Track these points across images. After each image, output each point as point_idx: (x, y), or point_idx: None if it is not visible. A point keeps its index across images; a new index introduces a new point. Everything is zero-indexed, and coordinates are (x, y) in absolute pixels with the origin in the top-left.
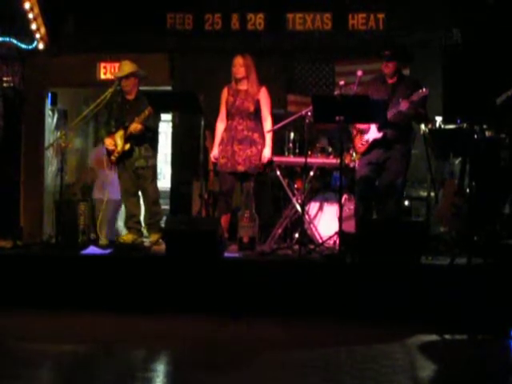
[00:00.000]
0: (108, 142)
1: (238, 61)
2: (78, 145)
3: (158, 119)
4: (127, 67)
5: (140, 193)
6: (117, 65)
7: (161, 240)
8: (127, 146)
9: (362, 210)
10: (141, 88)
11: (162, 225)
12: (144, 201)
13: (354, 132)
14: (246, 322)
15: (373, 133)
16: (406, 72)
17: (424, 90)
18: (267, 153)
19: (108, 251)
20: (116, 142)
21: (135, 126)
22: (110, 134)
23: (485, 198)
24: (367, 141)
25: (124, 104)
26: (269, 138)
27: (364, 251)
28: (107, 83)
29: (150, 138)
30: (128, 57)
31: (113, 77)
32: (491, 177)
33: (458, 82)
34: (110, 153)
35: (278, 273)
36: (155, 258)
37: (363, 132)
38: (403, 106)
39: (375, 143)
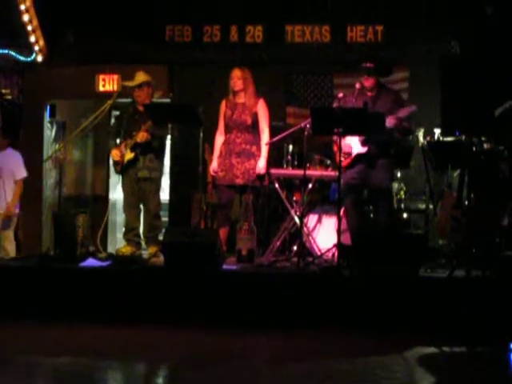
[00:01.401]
0: (114, 152)
1: (236, 73)
2: (76, 157)
3: (166, 128)
4: (141, 77)
5: (142, 206)
6: (115, 77)
7: (159, 252)
8: (131, 155)
9: (356, 218)
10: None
11: (161, 237)
12: (145, 214)
13: (335, 147)
14: (245, 334)
15: (356, 147)
16: (404, 85)
17: (412, 107)
18: (261, 164)
19: (106, 263)
20: (122, 152)
21: (142, 135)
22: (118, 145)
23: (484, 210)
24: (349, 154)
25: (135, 115)
26: (265, 149)
27: (362, 264)
28: (106, 95)
29: (156, 148)
30: (127, 69)
31: (127, 85)
32: (490, 189)
33: (456, 94)
34: (116, 164)
35: (276, 285)
36: (154, 270)
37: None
38: (389, 122)
39: (358, 158)
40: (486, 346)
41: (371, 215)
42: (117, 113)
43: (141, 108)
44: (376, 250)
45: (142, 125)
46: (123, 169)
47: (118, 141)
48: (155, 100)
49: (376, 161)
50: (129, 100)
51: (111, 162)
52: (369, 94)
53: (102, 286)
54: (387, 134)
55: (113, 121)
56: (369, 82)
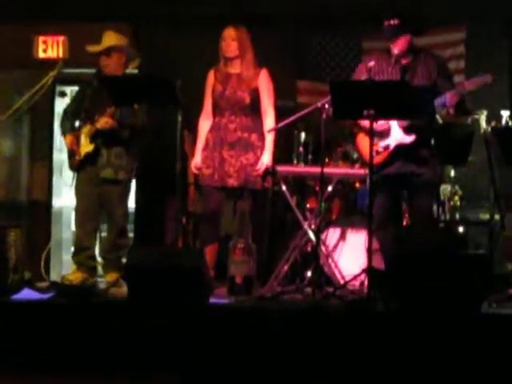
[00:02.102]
0: (69, 138)
1: (229, 33)
2: (6, 150)
3: (141, 113)
4: (110, 39)
5: (104, 215)
6: (61, 39)
7: (121, 280)
8: (90, 147)
9: (392, 233)
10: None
11: (124, 260)
12: (108, 227)
13: (359, 137)
14: None
15: (396, 135)
16: (458, 50)
17: (486, 76)
18: (266, 159)
19: (48, 295)
20: (80, 140)
21: (104, 121)
22: (75, 130)
23: None
24: (386, 147)
25: (101, 91)
26: (270, 139)
27: (402, 296)
28: (48, 64)
29: (125, 139)
30: (76, 28)
31: (90, 50)
32: None
33: None
34: (71, 155)
35: (283, 326)
36: (113, 305)
37: (382, 135)
38: (450, 99)
39: (398, 151)
40: None
41: (413, 229)
42: (62, 89)
43: None
44: (420, 277)
45: (108, 106)
46: (80, 165)
47: (77, 124)
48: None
49: (419, 154)
50: (89, 71)
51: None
52: (403, 61)
53: (41, 326)
54: (432, 116)
55: (67, 97)
56: (397, 47)
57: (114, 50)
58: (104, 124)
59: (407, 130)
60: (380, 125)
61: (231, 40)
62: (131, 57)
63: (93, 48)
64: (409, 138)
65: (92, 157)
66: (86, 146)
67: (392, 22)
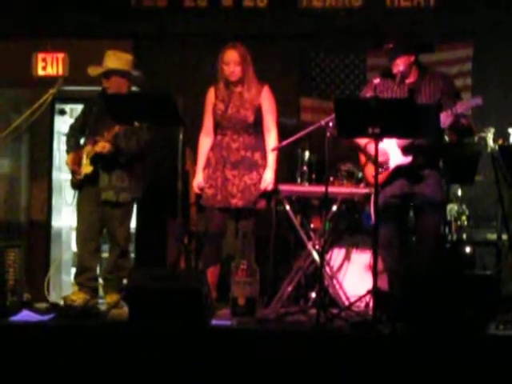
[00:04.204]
0: (71, 157)
1: (233, 57)
2: (5, 168)
3: (146, 136)
4: (109, 60)
5: (105, 236)
6: (61, 56)
7: (122, 302)
8: (89, 169)
9: (398, 253)
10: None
11: (125, 281)
12: (110, 249)
13: (363, 158)
14: None
15: (396, 156)
16: (465, 67)
17: (476, 99)
18: (268, 177)
19: (48, 317)
20: (82, 160)
21: (102, 145)
22: (79, 148)
23: None
24: (387, 167)
25: (104, 110)
26: (272, 157)
27: (409, 318)
28: (47, 82)
29: (124, 163)
30: (77, 45)
31: (90, 73)
32: None
33: None
34: (72, 174)
35: (287, 348)
36: (114, 327)
37: (383, 164)
38: (445, 120)
39: (398, 171)
40: None
41: (419, 248)
42: (62, 107)
43: None
44: (427, 298)
45: (110, 128)
46: (81, 184)
47: (81, 141)
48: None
49: (422, 173)
50: (90, 88)
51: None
52: (407, 81)
53: (41, 348)
54: (439, 135)
55: (66, 115)
56: (396, 68)
57: (114, 73)
58: (101, 149)
59: (406, 151)
60: (380, 155)
61: (235, 65)
62: (136, 79)
63: (92, 71)
64: (406, 160)
65: (92, 178)
66: (86, 167)
67: (386, 46)
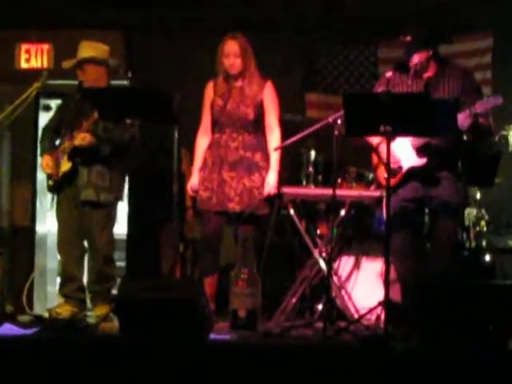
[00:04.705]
0: (46, 160)
1: (233, 49)
2: None
3: (128, 126)
4: (82, 51)
5: (86, 243)
6: (46, 47)
7: (111, 315)
8: (68, 166)
9: (412, 262)
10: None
11: (115, 292)
12: (90, 256)
13: (375, 158)
14: None
15: (409, 158)
16: (485, 60)
17: (497, 98)
18: (272, 179)
19: (32, 330)
20: (58, 160)
21: (81, 136)
22: (54, 149)
23: None
24: (399, 169)
25: (82, 105)
26: (275, 158)
27: (424, 332)
28: (31, 75)
29: (108, 156)
30: (63, 35)
31: (64, 66)
32: None
33: None
34: (48, 177)
35: (291, 364)
36: (104, 341)
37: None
38: (464, 122)
39: (412, 173)
40: None
41: (434, 256)
42: (47, 103)
43: None
44: (443, 310)
45: (85, 120)
46: (58, 186)
47: (57, 142)
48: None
49: (438, 175)
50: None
51: (41, 174)
52: (424, 75)
53: (24, 365)
54: (456, 134)
55: (51, 112)
56: (413, 62)
57: (89, 62)
58: (81, 140)
59: (420, 152)
60: (392, 163)
61: (235, 57)
62: (114, 67)
63: (67, 64)
64: (421, 161)
65: (70, 177)
66: (64, 165)
67: (403, 38)
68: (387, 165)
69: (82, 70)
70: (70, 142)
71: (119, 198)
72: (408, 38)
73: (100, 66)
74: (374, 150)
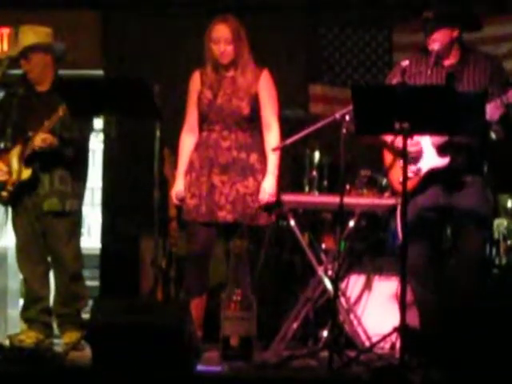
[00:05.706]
0: None
1: (223, 34)
2: None
3: (89, 125)
4: (27, 36)
5: (49, 259)
6: (6, 32)
7: (82, 342)
8: (26, 174)
9: (431, 282)
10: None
11: (86, 316)
12: (56, 273)
13: (388, 159)
14: None
15: (429, 158)
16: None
17: None
18: (269, 185)
19: None
20: (11, 166)
21: (42, 138)
22: (2, 153)
23: None
24: (418, 171)
25: (30, 100)
26: (274, 160)
27: (446, 362)
28: None
29: (70, 158)
30: (27, 17)
31: (1, 57)
32: None
33: None
34: (1, 188)
35: None
36: (73, 373)
37: (412, 159)
38: (493, 112)
39: (432, 176)
40: None
41: (458, 275)
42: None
43: (40, 88)
44: (468, 337)
45: (45, 119)
46: (14, 196)
47: (1, 145)
48: (79, 72)
49: (463, 179)
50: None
51: None
52: (446, 62)
53: None
54: (483, 131)
55: None
56: (435, 42)
57: (33, 50)
58: (41, 143)
59: (442, 151)
60: (411, 145)
61: (226, 44)
62: (60, 54)
63: (12, 51)
64: (442, 162)
65: (30, 185)
66: (20, 173)
67: (425, 15)
68: (404, 168)
69: (25, 59)
70: (24, 145)
71: (81, 207)
72: (429, 14)
73: (46, 54)
74: (389, 146)
